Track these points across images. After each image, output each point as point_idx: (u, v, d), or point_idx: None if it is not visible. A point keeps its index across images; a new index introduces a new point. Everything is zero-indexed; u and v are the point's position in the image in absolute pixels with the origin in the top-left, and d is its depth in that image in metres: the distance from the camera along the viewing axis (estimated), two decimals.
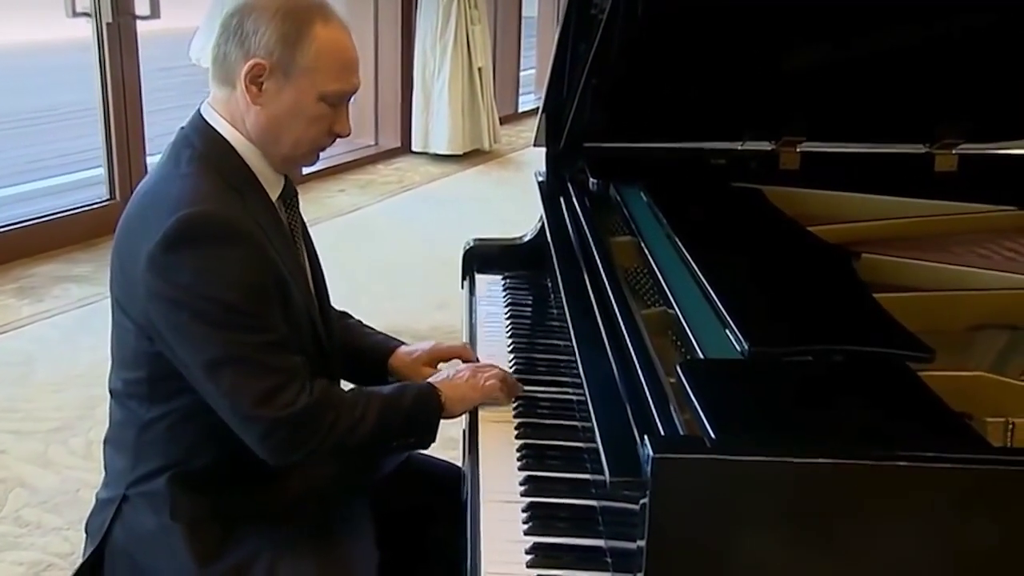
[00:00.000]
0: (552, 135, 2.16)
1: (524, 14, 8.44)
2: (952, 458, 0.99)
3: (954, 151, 2.12)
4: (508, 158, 6.96)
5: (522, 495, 1.42)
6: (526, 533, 1.35)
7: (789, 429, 1.08)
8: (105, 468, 1.61)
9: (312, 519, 1.53)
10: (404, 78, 6.73)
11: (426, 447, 1.61)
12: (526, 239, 2.23)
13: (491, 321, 1.99)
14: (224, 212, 1.41)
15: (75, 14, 4.51)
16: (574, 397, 1.60)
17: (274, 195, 1.54)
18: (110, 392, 1.58)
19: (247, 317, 1.40)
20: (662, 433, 1.11)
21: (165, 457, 1.51)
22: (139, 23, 4.66)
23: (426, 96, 6.69)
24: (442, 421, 1.58)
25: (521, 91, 8.46)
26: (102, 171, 4.83)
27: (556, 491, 1.43)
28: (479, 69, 6.77)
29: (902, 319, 1.33)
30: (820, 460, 0.98)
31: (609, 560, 1.27)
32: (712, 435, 1.03)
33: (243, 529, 1.50)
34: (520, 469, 1.49)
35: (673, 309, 1.44)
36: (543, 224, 2.09)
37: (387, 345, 1.76)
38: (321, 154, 1.56)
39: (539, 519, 1.37)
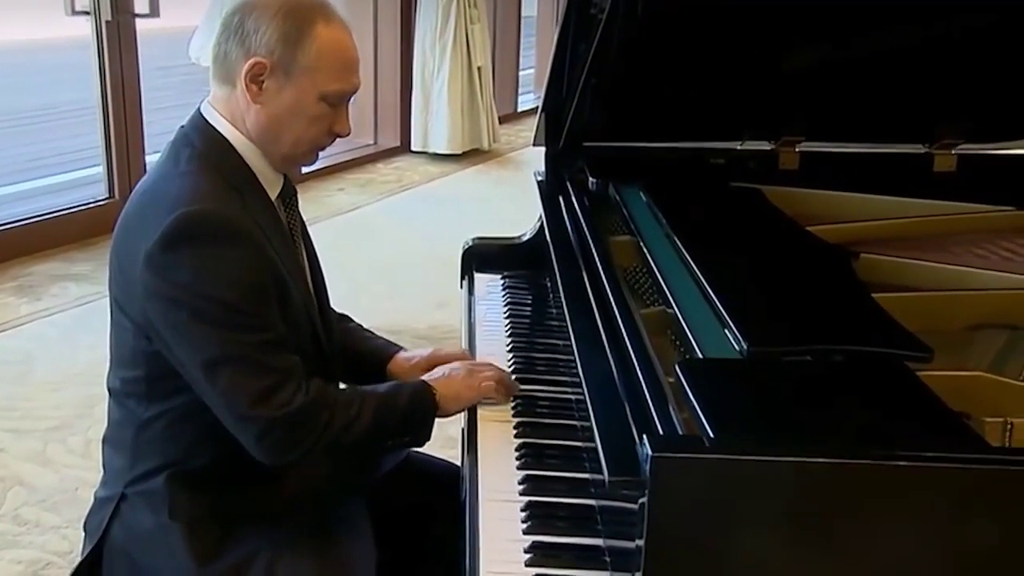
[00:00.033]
0: (551, 134, 2.16)
1: (523, 13, 8.45)
2: (951, 458, 0.99)
3: (953, 151, 2.12)
4: (507, 157, 6.96)
5: (521, 494, 1.43)
6: (525, 532, 1.35)
7: (788, 429, 1.08)
8: (104, 467, 1.61)
9: (311, 518, 1.53)
10: (403, 77, 6.73)
11: (420, 445, 1.61)
12: (525, 238, 2.23)
13: (490, 320, 1.99)
14: (223, 211, 1.41)
15: (74, 12, 4.51)
16: (573, 396, 1.60)
17: (273, 194, 1.54)
18: (108, 391, 1.58)
19: (246, 316, 1.40)
20: (661, 432, 1.11)
21: (163, 456, 1.51)
22: (138, 22, 4.66)
23: (425, 95, 6.69)
24: (441, 420, 1.58)
25: (520, 90, 8.46)
26: (101, 170, 4.83)
27: (555, 490, 1.43)
28: (478, 68, 6.77)
29: (901, 319, 1.33)
30: (819, 460, 0.98)
31: (608, 559, 1.27)
32: (711, 434, 1.03)
33: (242, 528, 1.50)
34: (519, 468, 1.49)
35: (672, 309, 1.44)
36: (542, 223, 2.09)
37: (387, 351, 1.76)
38: (320, 153, 1.56)
39: (538, 518, 1.37)
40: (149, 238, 1.38)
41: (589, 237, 1.72)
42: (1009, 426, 1.26)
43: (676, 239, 1.60)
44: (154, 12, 4.64)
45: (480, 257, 2.23)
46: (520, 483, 1.45)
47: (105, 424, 1.61)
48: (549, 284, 1.99)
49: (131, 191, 1.54)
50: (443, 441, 1.62)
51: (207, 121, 1.49)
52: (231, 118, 1.48)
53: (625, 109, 2.13)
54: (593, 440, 1.25)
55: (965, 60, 1.98)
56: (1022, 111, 2.08)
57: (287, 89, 1.44)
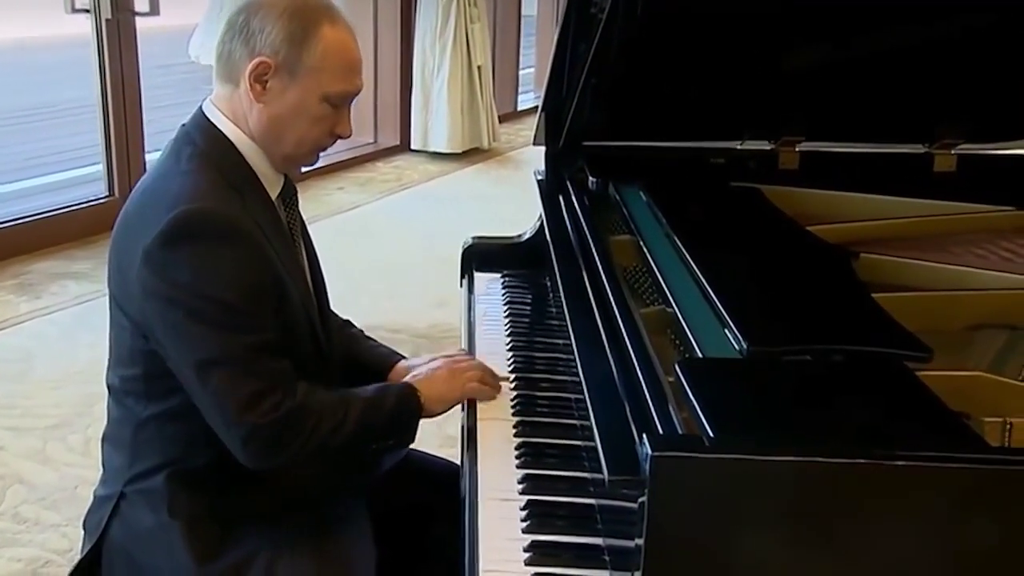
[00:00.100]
0: (551, 134, 2.16)
1: (523, 12, 8.44)
2: (950, 458, 0.99)
3: (953, 151, 2.12)
4: (507, 156, 6.96)
5: (520, 493, 1.43)
6: (524, 531, 1.35)
7: (787, 428, 1.08)
8: (103, 465, 1.61)
9: (311, 518, 1.53)
10: (403, 76, 6.73)
11: (405, 447, 1.61)
12: (525, 237, 2.23)
13: (490, 319, 1.99)
14: (223, 210, 1.41)
15: (74, 10, 4.50)
16: (573, 396, 1.60)
17: (274, 194, 1.54)
18: (108, 389, 1.58)
19: (242, 316, 1.40)
20: (661, 432, 1.11)
21: (163, 454, 1.51)
22: (138, 20, 4.65)
23: (425, 94, 6.69)
24: (440, 419, 1.58)
25: (520, 90, 8.45)
26: (101, 168, 4.83)
27: (555, 489, 1.43)
28: (478, 67, 6.77)
29: (900, 319, 1.33)
30: (818, 459, 0.98)
31: (607, 558, 1.27)
32: (711, 434, 1.03)
33: (241, 527, 1.50)
34: (519, 467, 1.49)
35: (672, 308, 1.44)
36: (542, 223, 2.09)
37: (388, 359, 1.76)
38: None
39: (537, 517, 1.37)
40: (148, 236, 1.38)
41: (589, 236, 1.72)
42: (1008, 426, 1.26)
43: (676, 238, 1.60)
44: (154, 10, 4.63)
45: (480, 256, 2.23)
46: (520, 482, 1.45)
47: (105, 422, 1.61)
48: (549, 283, 1.99)
49: (131, 189, 1.54)
50: (442, 440, 1.63)
51: (209, 120, 1.49)
52: (233, 117, 1.48)
53: (625, 109, 2.13)
54: (593, 439, 1.25)
55: (965, 60, 1.98)
56: (1022, 111, 2.08)
57: (291, 89, 1.45)
